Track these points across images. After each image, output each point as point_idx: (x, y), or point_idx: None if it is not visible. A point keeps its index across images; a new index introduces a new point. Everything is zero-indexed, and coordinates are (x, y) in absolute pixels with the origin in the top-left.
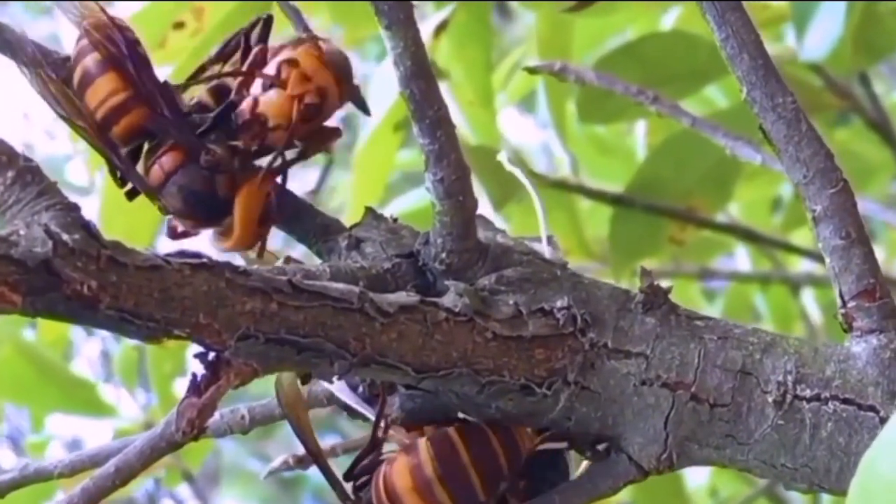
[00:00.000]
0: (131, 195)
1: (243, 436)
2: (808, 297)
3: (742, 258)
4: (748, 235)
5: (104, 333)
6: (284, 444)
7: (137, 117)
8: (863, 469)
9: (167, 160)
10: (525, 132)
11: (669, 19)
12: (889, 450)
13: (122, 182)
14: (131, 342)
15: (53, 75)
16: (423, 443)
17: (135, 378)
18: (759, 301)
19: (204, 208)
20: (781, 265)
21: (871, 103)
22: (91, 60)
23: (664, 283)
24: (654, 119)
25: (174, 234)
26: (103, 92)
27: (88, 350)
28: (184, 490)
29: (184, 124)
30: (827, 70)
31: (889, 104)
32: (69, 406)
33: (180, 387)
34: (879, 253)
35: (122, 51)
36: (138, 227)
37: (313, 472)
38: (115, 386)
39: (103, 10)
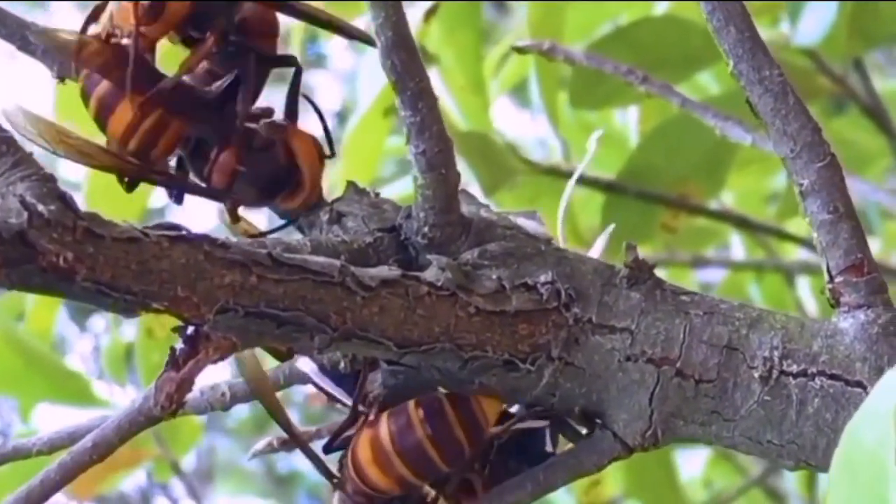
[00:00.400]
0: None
1: (238, 433)
2: (804, 285)
3: (737, 248)
4: (742, 223)
5: (97, 329)
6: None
7: (176, 130)
8: (846, 439)
9: (225, 162)
10: (520, 125)
11: (662, 5)
12: (872, 419)
13: (178, 198)
14: (121, 336)
15: (72, 134)
16: (383, 416)
17: (124, 372)
18: (754, 290)
19: (278, 184)
20: (775, 254)
21: (866, 91)
22: (104, 90)
23: (658, 273)
24: (647, 105)
25: (235, 219)
26: (128, 117)
27: (81, 346)
28: (178, 487)
29: (219, 117)
30: (821, 56)
31: (884, 92)
32: (59, 397)
33: None
34: (875, 244)
35: (133, 71)
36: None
37: (308, 469)
38: (108, 382)
39: (97, 38)
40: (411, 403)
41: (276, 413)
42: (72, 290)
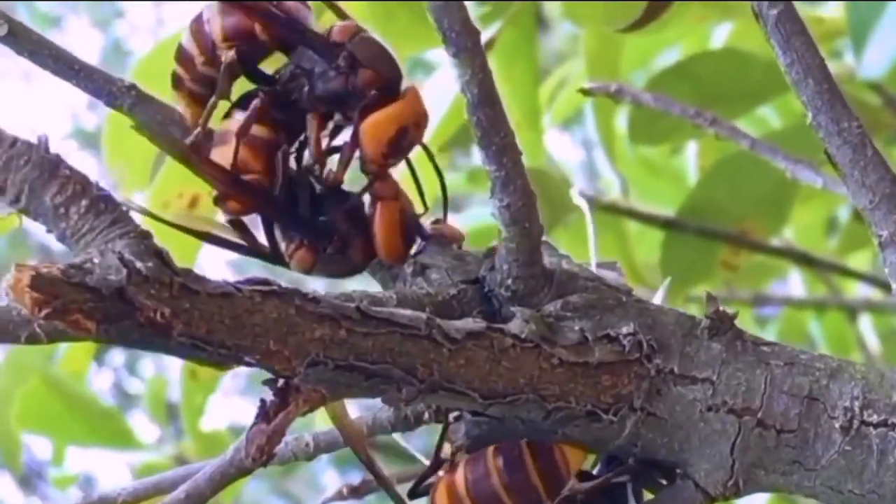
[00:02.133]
0: None
1: (265, 473)
2: (866, 323)
3: (796, 283)
4: (803, 259)
5: (117, 364)
6: (306, 482)
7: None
8: None
9: (299, 261)
10: (564, 149)
11: (720, 35)
12: None
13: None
14: (152, 372)
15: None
16: (462, 463)
17: (163, 410)
18: (815, 327)
19: (357, 271)
20: (837, 290)
21: None
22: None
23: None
24: (706, 140)
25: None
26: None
27: (100, 382)
28: None
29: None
30: (886, 89)
31: None
32: (95, 438)
33: (207, 421)
34: None
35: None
36: (178, 254)
37: None
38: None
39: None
40: (490, 450)
41: (366, 458)
42: (168, 345)
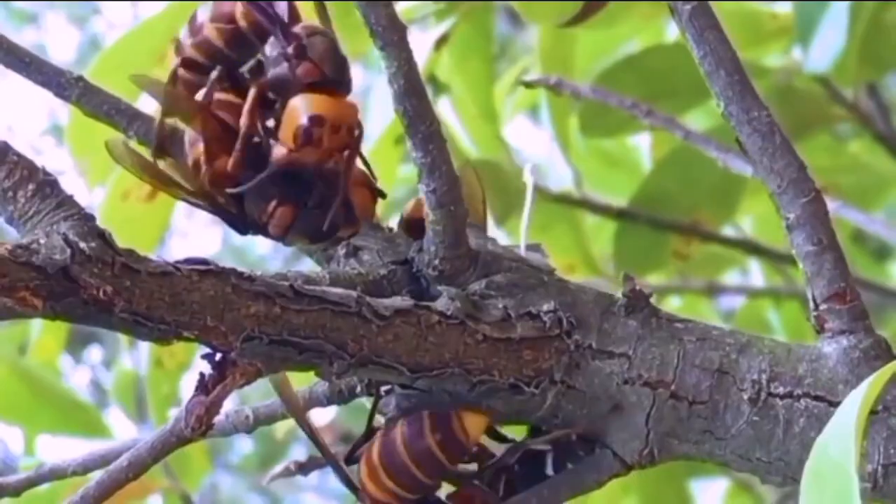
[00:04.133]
0: None
1: (242, 469)
2: None
3: (756, 274)
4: (755, 249)
5: (94, 361)
6: (284, 479)
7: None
8: (815, 453)
9: (281, 216)
10: (535, 143)
11: (674, 30)
12: (838, 434)
13: (241, 231)
14: (127, 367)
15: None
16: (378, 436)
17: (131, 402)
18: (774, 317)
19: (330, 234)
20: (793, 280)
21: (881, 116)
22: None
23: (673, 300)
24: (659, 132)
25: None
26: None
27: (77, 379)
28: None
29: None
30: (832, 82)
31: None
32: (65, 427)
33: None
34: None
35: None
36: (140, 239)
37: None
38: (106, 414)
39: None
40: (400, 421)
41: (308, 429)
42: (111, 321)
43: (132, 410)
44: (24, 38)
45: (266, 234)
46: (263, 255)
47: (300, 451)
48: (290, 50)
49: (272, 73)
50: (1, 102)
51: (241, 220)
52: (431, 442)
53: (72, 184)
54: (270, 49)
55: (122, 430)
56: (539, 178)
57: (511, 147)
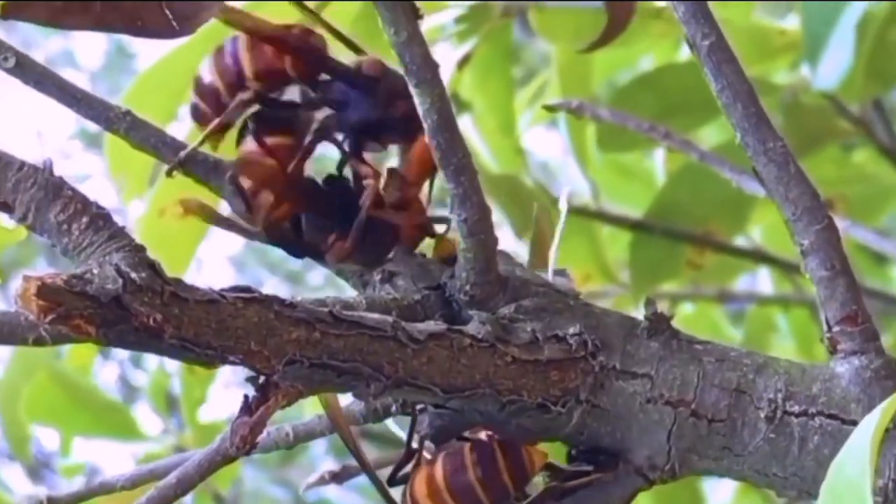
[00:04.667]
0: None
1: (265, 462)
2: None
3: (764, 279)
4: (766, 259)
5: (122, 357)
6: (305, 469)
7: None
8: (832, 472)
9: (338, 250)
10: (551, 148)
11: (687, 50)
12: (854, 454)
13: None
14: (155, 366)
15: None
16: (441, 457)
17: (164, 403)
18: (782, 322)
19: (378, 265)
20: (801, 288)
21: (886, 130)
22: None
23: (686, 307)
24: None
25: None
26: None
27: (106, 375)
28: None
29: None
30: (839, 98)
31: None
32: (100, 429)
33: (205, 413)
34: None
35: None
36: (175, 253)
37: (336, 497)
38: (134, 409)
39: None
40: (466, 447)
41: (353, 446)
42: (160, 347)
43: (163, 409)
44: (52, 45)
45: (321, 260)
46: (284, 255)
47: (320, 447)
48: (379, 95)
49: (363, 118)
50: (29, 108)
51: (300, 248)
52: (503, 467)
53: (100, 188)
54: (328, 92)
55: (150, 426)
56: (558, 188)
57: (528, 155)
